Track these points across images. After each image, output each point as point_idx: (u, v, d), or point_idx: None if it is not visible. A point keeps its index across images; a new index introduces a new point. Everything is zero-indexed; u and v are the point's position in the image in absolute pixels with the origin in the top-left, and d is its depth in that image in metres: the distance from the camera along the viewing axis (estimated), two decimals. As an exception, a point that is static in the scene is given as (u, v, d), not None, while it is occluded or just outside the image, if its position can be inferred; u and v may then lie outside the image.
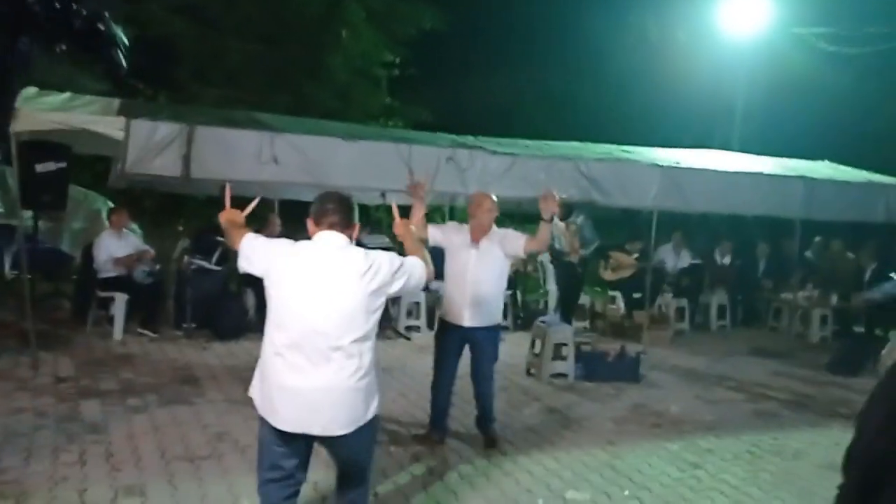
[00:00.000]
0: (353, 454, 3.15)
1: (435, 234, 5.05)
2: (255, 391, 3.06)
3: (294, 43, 12.15)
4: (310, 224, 3.07)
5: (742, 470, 4.99)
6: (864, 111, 12.56)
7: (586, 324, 9.96)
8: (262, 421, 2.99)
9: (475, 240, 5.01)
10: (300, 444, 3.02)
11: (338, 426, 2.95)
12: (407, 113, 13.30)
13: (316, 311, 2.89)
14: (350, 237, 3.05)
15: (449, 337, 5.08)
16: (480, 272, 4.97)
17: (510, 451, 5.09)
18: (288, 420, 2.92)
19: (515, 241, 5.03)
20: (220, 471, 4.47)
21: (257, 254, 3.06)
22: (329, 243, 3.00)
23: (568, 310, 9.30)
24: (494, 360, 5.25)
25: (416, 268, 3.17)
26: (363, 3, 13.01)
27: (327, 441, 3.01)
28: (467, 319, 4.98)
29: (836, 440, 5.77)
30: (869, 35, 11.05)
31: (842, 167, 10.00)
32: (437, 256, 4.11)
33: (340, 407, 2.94)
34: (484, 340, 5.08)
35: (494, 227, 5.09)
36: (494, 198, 5.14)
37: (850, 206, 8.94)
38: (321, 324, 2.89)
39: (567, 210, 9.13)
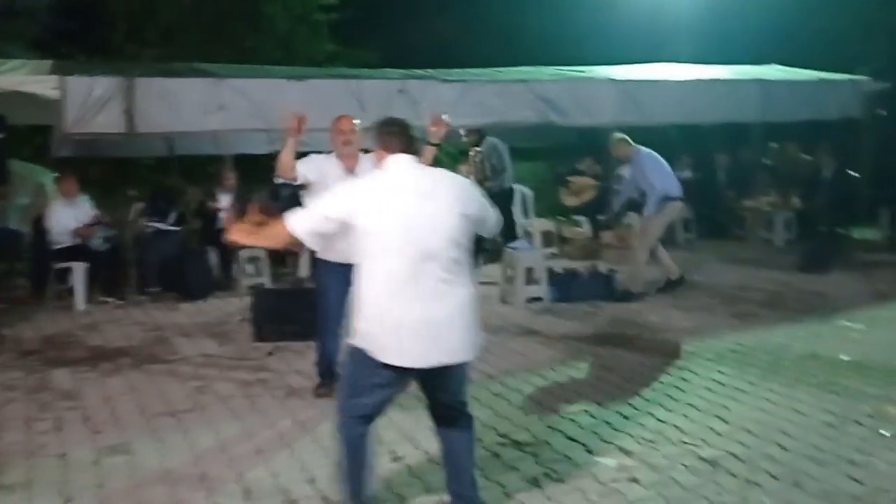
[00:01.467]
0: (461, 383, 3.00)
1: (305, 170, 4.50)
2: (360, 336, 2.84)
3: (231, -6, 11.72)
4: (379, 152, 2.99)
5: (729, 368, 5.05)
6: (808, 11, 12.55)
7: (555, 249, 9.93)
8: (364, 361, 2.82)
9: (350, 168, 4.47)
10: (404, 381, 2.90)
11: (463, 352, 2.85)
12: (351, 57, 12.91)
13: (429, 235, 2.77)
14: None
15: (337, 277, 4.31)
16: None
17: (497, 373, 5.06)
18: (410, 353, 2.76)
19: None
20: (205, 421, 4.36)
21: (330, 207, 2.87)
22: (411, 165, 2.92)
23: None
24: None
25: (493, 215, 3.12)
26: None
27: (439, 374, 2.84)
28: None
29: (815, 332, 5.90)
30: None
31: (791, 69, 10.03)
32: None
33: (464, 332, 2.84)
34: None
35: (362, 154, 4.51)
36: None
37: (805, 105, 9.01)
38: (435, 247, 2.77)
39: (477, 138, 8.87)
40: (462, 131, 8.47)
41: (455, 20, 15.45)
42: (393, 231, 2.76)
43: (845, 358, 5.20)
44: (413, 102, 7.07)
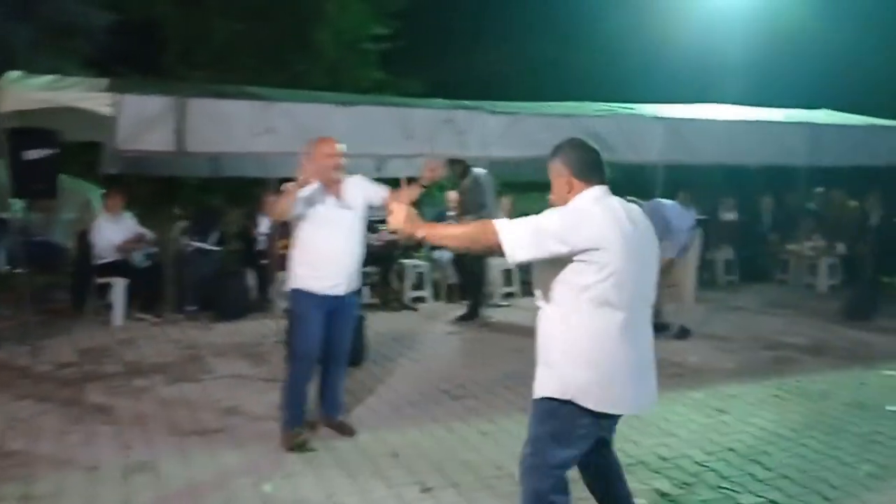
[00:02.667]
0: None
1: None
2: (583, 392, 2.55)
3: (280, 19, 11.91)
4: (573, 182, 2.62)
5: (770, 413, 4.88)
6: (859, 58, 12.37)
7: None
8: (577, 416, 2.57)
9: (337, 195, 4.28)
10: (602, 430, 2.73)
11: (655, 395, 2.76)
12: (398, 86, 13.07)
13: (645, 278, 2.60)
14: None
15: (318, 308, 4.21)
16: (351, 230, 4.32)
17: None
18: (631, 401, 2.63)
19: (375, 191, 4.41)
20: (234, 443, 4.34)
21: (570, 231, 2.47)
22: (617, 202, 2.62)
23: (473, 299, 8.12)
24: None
25: None
26: (350, -24, 12.80)
27: (617, 420, 2.74)
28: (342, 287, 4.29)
29: (860, 380, 5.70)
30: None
31: (842, 114, 9.85)
32: None
33: (654, 375, 2.75)
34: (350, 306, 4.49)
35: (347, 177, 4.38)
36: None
37: (854, 150, 8.79)
38: (648, 291, 2.64)
39: (462, 169, 8.27)
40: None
41: (503, 54, 15.59)
42: (624, 274, 2.50)
43: (891, 408, 5.00)
44: (459, 133, 7.06)
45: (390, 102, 7.46)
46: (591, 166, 2.65)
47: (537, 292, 2.70)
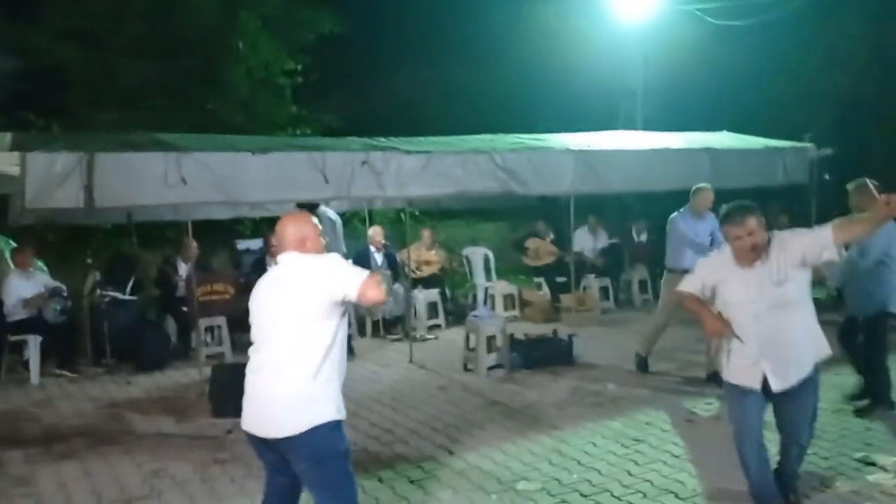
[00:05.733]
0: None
1: None
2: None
3: (189, 58, 11.74)
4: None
5: (682, 439, 5.12)
6: (755, 80, 13.11)
7: (516, 312, 10.04)
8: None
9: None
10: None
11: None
12: (314, 120, 13.05)
13: None
14: None
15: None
16: None
17: (459, 449, 5.08)
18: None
19: None
20: (161, 509, 4.28)
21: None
22: None
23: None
24: None
25: None
26: (258, 12, 12.70)
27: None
28: None
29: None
30: (750, 6, 11.54)
31: (740, 135, 10.40)
32: None
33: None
34: None
35: None
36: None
37: (753, 172, 9.29)
38: None
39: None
40: None
41: (415, 82, 15.77)
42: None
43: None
44: (376, 174, 7.16)
45: (306, 146, 7.49)
46: None
47: None
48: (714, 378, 5.88)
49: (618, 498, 4.24)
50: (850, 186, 5.56)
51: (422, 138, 8.28)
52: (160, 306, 8.53)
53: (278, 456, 3.08)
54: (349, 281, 2.92)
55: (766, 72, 13.01)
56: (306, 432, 2.92)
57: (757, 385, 3.69)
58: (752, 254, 3.62)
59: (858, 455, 4.72)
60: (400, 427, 5.60)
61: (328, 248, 7.56)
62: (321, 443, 2.95)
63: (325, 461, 3.00)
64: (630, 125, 12.66)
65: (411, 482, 4.56)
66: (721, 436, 5.15)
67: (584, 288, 10.30)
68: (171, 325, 8.19)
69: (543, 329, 8.14)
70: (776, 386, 3.66)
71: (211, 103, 11.94)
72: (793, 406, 3.78)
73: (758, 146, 9.87)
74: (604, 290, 10.53)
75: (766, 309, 3.63)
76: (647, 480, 4.46)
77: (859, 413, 5.51)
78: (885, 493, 4.16)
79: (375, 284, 2.91)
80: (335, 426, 2.99)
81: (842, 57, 12.50)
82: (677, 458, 4.81)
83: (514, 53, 15.02)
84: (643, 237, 11.30)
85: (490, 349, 7.19)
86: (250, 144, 7.10)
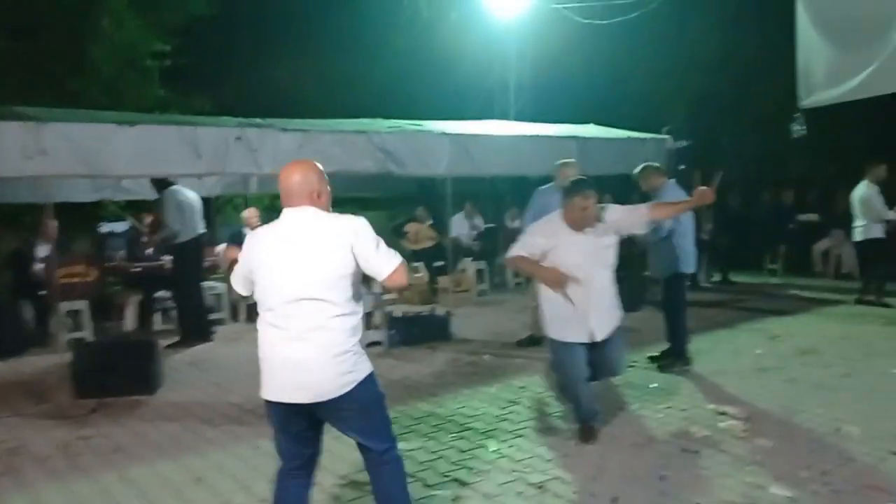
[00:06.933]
0: None
1: None
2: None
3: (52, 34, 11.05)
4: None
5: (554, 399, 5.36)
6: (618, 76, 13.83)
7: (394, 295, 10.09)
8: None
9: None
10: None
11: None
12: (184, 105, 12.60)
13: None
14: None
15: None
16: None
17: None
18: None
19: None
20: (19, 484, 4.05)
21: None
22: None
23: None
24: None
25: None
26: (123, -13, 12.15)
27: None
28: None
29: (628, 363, 6.38)
30: (613, 6, 12.15)
31: (605, 128, 10.97)
32: None
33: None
34: None
35: None
36: None
37: (616, 160, 9.83)
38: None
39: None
40: None
41: (291, 69, 15.49)
42: None
43: (653, 385, 5.72)
44: (251, 151, 7.04)
45: (177, 121, 7.25)
46: None
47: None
48: (532, 341, 6.74)
49: (493, 451, 4.39)
50: (635, 172, 6.12)
51: (299, 120, 8.21)
52: (15, 290, 8.00)
53: (309, 423, 2.99)
54: (388, 259, 2.92)
55: (628, 69, 13.75)
56: (357, 387, 2.91)
57: (587, 338, 4.32)
58: (589, 221, 4.20)
59: (711, 406, 5.12)
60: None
61: (173, 230, 7.35)
62: (369, 395, 2.98)
63: (373, 409, 3.02)
64: (504, 118, 13.02)
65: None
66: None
67: (462, 271, 10.52)
68: (28, 310, 7.70)
69: (422, 310, 8.25)
70: (600, 336, 4.33)
71: (73, 82, 11.28)
72: (611, 347, 4.43)
73: (621, 136, 10.45)
74: (479, 273, 10.81)
75: (594, 270, 4.26)
76: (521, 436, 4.64)
77: (662, 368, 6.10)
78: (734, 437, 4.52)
79: (406, 271, 3.00)
80: (373, 376, 3.02)
81: (693, 57, 13.40)
82: (547, 415, 5.03)
83: (390, 43, 15.10)
84: (516, 223, 11.65)
85: (368, 326, 7.22)
86: (117, 118, 6.80)
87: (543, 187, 7.29)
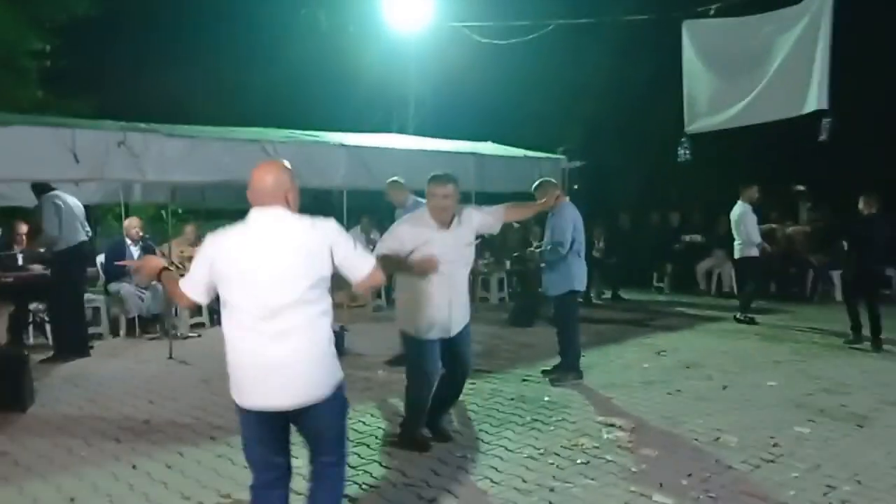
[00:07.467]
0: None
1: None
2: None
3: None
4: None
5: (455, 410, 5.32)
6: (516, 97, 14.11)
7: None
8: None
9: None
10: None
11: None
12: (64, 107, 11.89)
13: None
14: None
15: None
16: None
17: (220, 434, 4.86)
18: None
19: None
20: None
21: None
22: None
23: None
24: None
25: None
26: (-2, -17, 11.41)
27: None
28: None
29: (521, 377, 6.45)
30: (512, 28, 12.40)
31: (503, 146, 11.15)
32: None
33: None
34: None
35: None
36: None
37: (513, 177, 10.00)
38: None
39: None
40: None
41: (182, 76, 14.94)
42: None
43: (547, 398, 5.77)
44: (134, 157, 6.74)
45: (53, 122, 6.84)
46: None
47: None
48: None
49: (386, 467, 4.30)
50: (534, 187, 6.33)
51: (187, 126, 7.90)
52: None
53: (284, 430, 2.90)
54: (366, 259, 2.97)
55: (526, 90, 14.06)
56: (336, 392, 2.87)
57: (445, 334, 4.43)
58: (445, 213, 4.33)
59: (600, 419, 5.21)
60: (158, 418, 5.28)
61: (51, 237, 6.92)
62: (342, 400, 2.94)
63: (342, 416, 2.98)
64: (403, 132, 13.03)
65: (168, 467, 4.30)
66: (483, 408, 5.47)
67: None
68: None
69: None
70: (455, 331, 4.48)
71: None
72: (462, 343, 4.56)
73: (518, 155, 10.64)
74: (376, 289, 10.68)
75: (457, 267, 4.41)
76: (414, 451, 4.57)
77: (554, 382, 6.21)
78: (621, 448, 4.61)
79: (380, 269, 3.03)
80: (345, 382, 2.97)
81: (588, 81, 13.85)
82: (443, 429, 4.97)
83: (286, 54, 14.84)
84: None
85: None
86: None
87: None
